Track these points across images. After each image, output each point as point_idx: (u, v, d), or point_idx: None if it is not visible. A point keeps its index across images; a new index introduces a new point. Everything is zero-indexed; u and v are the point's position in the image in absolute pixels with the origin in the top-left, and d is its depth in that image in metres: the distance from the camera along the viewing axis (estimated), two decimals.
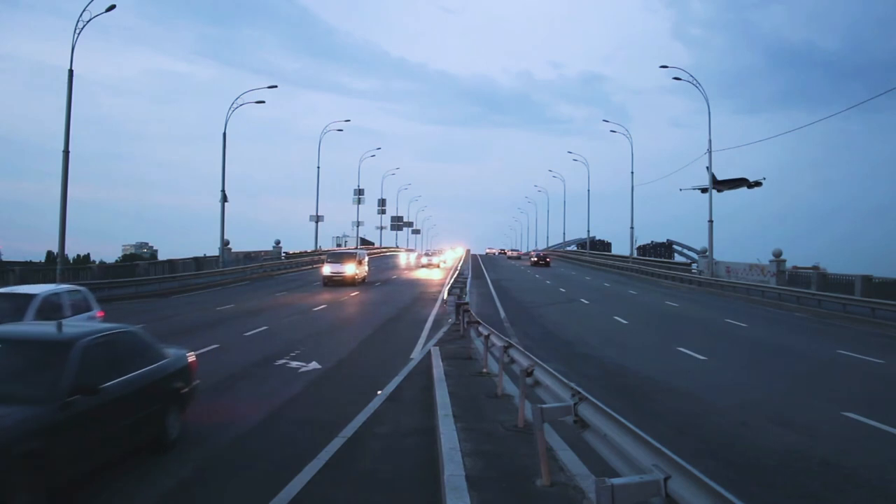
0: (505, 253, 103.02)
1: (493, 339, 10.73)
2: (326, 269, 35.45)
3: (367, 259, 39.88)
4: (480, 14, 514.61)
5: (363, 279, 36.90)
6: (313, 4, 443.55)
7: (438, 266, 57.07)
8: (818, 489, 6.42)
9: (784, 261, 33.96)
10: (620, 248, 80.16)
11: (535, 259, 67.67)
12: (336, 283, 34.54)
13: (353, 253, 39.11)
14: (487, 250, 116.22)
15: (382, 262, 65.54)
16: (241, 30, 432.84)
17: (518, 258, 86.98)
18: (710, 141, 40.37)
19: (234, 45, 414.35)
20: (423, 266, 56.55)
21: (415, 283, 38.45)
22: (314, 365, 12.67)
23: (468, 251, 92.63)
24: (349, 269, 34.98)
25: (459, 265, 57.09)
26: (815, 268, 35.92)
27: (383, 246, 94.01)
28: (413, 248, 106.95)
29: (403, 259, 73.92)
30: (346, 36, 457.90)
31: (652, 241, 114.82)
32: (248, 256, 46.43)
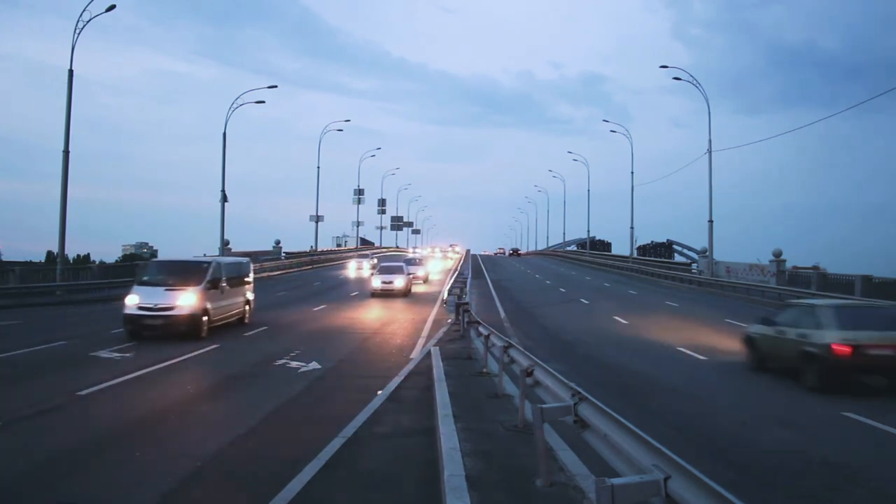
0: (497, 254, 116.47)
1: (493, 339, 10.73)
2: (132, 300, 15.68)
3: (250, 275, 20.06)
4: (480, 14, 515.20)
5: (237, 317, 18.40)
6: (314, 4, 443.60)
7: (406, 291, 30.38)
8: (818, 489, 6.41)
9: (784, 261, 33.94)
10: (620, 248, 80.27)
11: (510, 252, 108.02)
12: (154, 331, 15.46)
13: (199, 265, 17.46)
14: (483, 252, 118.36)
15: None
16: (242, 30, 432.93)
17: (504, 254, 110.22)
18: (710, 141, 40.40)
19: (235, 45, 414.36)
20: (379, 291, 29.47)
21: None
22: (314, 365, 12.68)
23: (468, 251, 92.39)
24: (186, 301, 15.66)
25: (459, 266, 54.95)
26: (815, 268, 35.88)
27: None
28: (413, 247, 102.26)
29: (354, 269, 48.24)
30: (347, 36, 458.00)
31: (652, 241, 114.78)
32: (249, 256, 46.44)
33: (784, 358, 12.21)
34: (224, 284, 17.33)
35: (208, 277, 16.48)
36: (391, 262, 35.27)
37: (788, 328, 12.20)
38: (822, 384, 10.93)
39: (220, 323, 16.99)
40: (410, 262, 40.20)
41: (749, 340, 13.66)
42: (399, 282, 30.02)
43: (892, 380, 11.03)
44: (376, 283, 30.15)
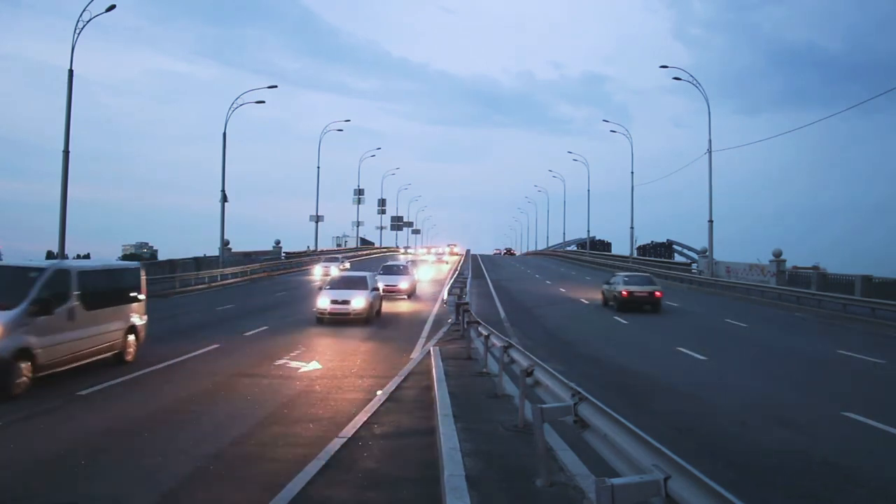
0: (496, 254, 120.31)
1: (493, 339, 10.73)
2: None
3: (138, 290, 13.57)
4: (481, 14, 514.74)
5: (109, 354, 12.11)
6: (315, 4, 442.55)
7: (368, 316, 19.96)
8: (818, 489, 6.41)
9: (784, 261, 33.96)
10: (620, 248, 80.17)
11: (504, 251, 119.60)
12: None
13: (23, 273, 10.71)
14: (482, 253, 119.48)
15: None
16: (242, 30, 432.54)
17: (500, 254, 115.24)
18: (710, 141, 40.35)
19: (235, 46, 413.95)
20: (326, 314, 19.56)
21: None
22: (314, 365, 12.68)
23: (468, 251, 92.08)
24: None
25: (459, 266, 53.70)
26: (815, 268, 35.93)
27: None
28: (405, 247, 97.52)
29: (320, 276, 38.88)
30: (349, 36, 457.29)
31: (652, 241, 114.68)
32: (248, 256, 46.46)
33: (610, 299, 25.73)
34: (75, 304, 10.90)
35: (35, 294, 10.04)
36: (352, 273, 26.10)
37: (611, 285, 25.92)
38: (620, 309, 24.17)
39: (66, 367, 10.65)
40: (391, 269, 30.90)
41: (602, 292, 27.21)
42: (358, 301, 19.79)
43: (648, 305, 24.44)
44: (323, 302, 19.83)
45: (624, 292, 24.29)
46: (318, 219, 60.17)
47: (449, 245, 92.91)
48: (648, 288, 24.73)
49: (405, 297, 28.56)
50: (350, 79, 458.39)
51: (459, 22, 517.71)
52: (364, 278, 21.88)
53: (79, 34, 26.28)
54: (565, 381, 6.21)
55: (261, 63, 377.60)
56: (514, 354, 8.75)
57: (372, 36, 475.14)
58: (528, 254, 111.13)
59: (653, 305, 24.40)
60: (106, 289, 12.34)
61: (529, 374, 7.33)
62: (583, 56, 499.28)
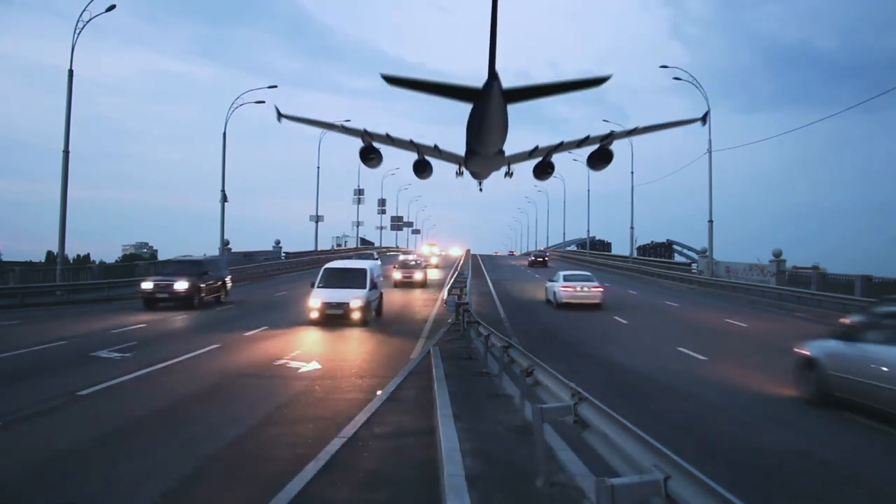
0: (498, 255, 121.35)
1: (493, 339, 10.73)
2: None
3: None
4: (475, 13, 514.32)
5: None
6: (309, 4, 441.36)
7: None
8: (818, 489, 6.41)
9: (784, 261, 33.96)
10: (620, 248, 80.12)
11: (499, 253, 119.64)
12: None
13: None
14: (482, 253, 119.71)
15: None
16: (237, 30, 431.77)
17: (503, 255, 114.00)
18: (710, 141, 40.31)
19: (232, 46, 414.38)
20: None
21: None
22: (314, 364, 12.68)
23: (468, 251, 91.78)
24: None
25: (459, 265, 55.33)
26: (815, 268, 35.90)
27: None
28: (411, 247, 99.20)
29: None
30: (343, 36, 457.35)
31: (652, 241, 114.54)
32: (248, 256, 46.44)
33: (529, 264, 59.56)
34: None
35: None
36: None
37: (528, 256, 73.43)
38: (530, 267, 57.20)
39: None
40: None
41: (527, 261, 63.20)
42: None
43: (542, 265, 57.70)
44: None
45: (533, 257, 59.83)
46: (318, 219, 60.20)
47: (429, 244, 70.22)
48: (542, 256, 60.07)
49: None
50: (345, 78, 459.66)
51: (454, 21, 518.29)
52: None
53: (79, 34, 26.32)
54: (565, 380, 6.21)
55: (257, 63, 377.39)
56: (514, 354, 8.75)
57: (366, 35, 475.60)
58: (527, 254, 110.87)
59: (544, 264, 55.38)
60: None
61: (529, 374, 7.33)
62: (578, 55, 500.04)
